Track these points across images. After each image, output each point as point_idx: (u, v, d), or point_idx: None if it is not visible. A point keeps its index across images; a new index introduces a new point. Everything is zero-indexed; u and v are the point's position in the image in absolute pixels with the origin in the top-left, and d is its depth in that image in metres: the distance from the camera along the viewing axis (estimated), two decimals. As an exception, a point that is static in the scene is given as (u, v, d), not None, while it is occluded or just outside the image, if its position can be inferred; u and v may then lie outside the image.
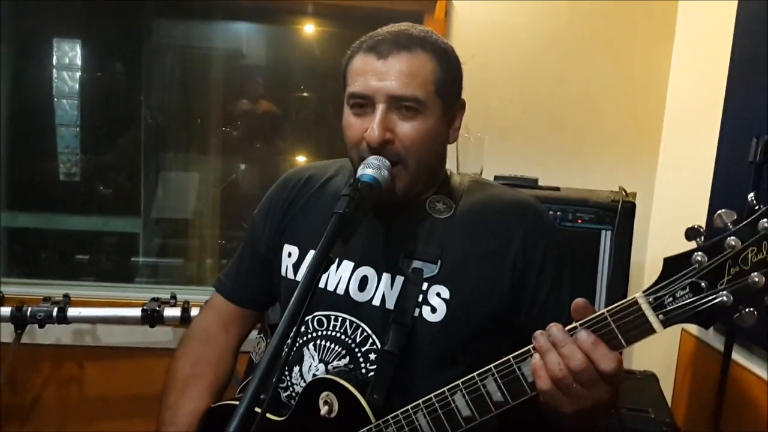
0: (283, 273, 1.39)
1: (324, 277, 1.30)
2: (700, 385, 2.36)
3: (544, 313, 1.23)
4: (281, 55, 3.10)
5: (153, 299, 2.29)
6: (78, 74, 2.97)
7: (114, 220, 3.04)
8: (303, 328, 1.32)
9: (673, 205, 2.46)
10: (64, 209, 3.04)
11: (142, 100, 3.00)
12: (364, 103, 1.21)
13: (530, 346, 1.04)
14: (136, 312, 2.24)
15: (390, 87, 1.18)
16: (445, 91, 1.24)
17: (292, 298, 0.96)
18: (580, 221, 1.91)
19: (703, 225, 0.94)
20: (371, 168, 1.16)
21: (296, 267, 1.36)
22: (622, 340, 0.97)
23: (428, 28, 1.29)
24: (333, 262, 1.04)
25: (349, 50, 1.27)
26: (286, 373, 1.34)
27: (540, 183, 2.09)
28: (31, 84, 3.01)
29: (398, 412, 1.14)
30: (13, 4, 2.78)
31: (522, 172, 2.12)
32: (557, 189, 2.05)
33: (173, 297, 2.33)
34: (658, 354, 2.39)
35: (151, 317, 2.23)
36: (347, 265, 1.30)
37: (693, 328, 2.25)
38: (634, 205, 1.90)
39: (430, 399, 1.11)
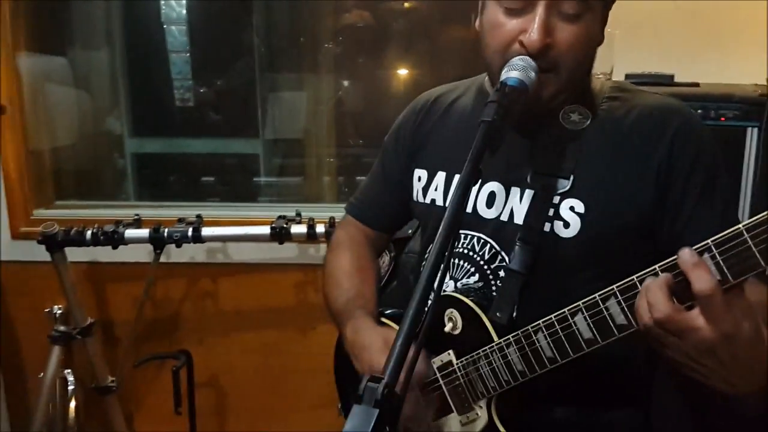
0: (414, 197, 1.38)
1: (450, 198, 1.26)
2: None
3: (691, 226, 1.13)
4: None
5: (280, 217, 2.34)
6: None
7: (234, 142, 3.12)
8: None
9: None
10: (184, 133, 3.14)
11: (252, 23, 2.99)
12: (519, 2, 1.10)
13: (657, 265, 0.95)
14: (265, 230, 2.30)
15: None
16: None
17: (446, 215, 0.92)
18: (723, 119, 1.77)
19: None
20: (517, 70, 1.06)
21: (425, 190, 1.35)
22: (761, 259, 0.85)
23: None
24: (481, 176, 0.97)
25: None
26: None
27: (676, 79, 1.94)
28: (141, 11, 3.06)
29: (519, 331, 1.11)
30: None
31: (655, 68, 1.98)
32: (696, 85, 1.90)
33: (298, 215, 2.38)
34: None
35: (280, 234, 2.28)
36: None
37: None
38: (782, 101, 1.74)
39: (551, 319, 1.06)
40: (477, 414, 1.19)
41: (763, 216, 0.85)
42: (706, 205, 1.14)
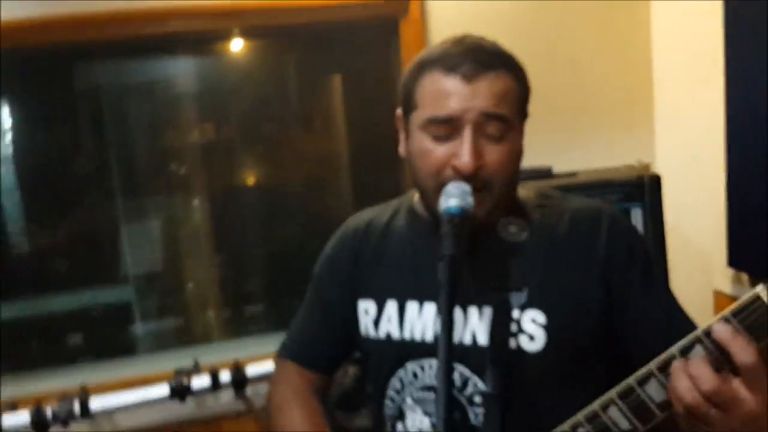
0: (363, 332, 1.31)
1: (406, 328, 1.24)
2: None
3: (641, 316, 1.17)
4: (217, 78, 2.91)
5: (177, 372, 2.15)
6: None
7: (100, 292, 2.85)
8: (399, 385, 1.25)
9: (681, 169, 2.43)
10: (39, 291, 2.81)
11: (100, 153, 2.79)
12: (446, 128, 1.13)
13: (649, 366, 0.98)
14: (163, 389, 2.11)
15: (481, 105, 1.11)
16: (524, 108, 1.19)
17: (439, 362, 0.93)
18: (608, 202, 1.87)
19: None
20: (455, 197, 1.08)
21: (376, 323, 1.28)
22: (754, 339, 0.91)
23: (483, 38, 1.20)
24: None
25: (412, 68, 1.19)
26: (390, 429, 1.28)
27: (555, 170, 2.03)
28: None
29: None
30: None
31: (532, 162, 2.06)
32: (575, 174, 2.00)
33: (196, 364, 2.21)
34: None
35: (180, 391, 2.10)
36: (429, 306, 1.23)
37: (726, 287, 2.25)
38: (659, 178, 1.87)
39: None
40: None
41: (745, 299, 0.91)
42: (649, 294, 1.19)
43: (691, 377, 0.92)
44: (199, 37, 2.59)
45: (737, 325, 0.91)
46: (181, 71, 2.83)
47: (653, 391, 0.97)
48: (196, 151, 2.88)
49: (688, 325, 1.17)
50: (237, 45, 2.75)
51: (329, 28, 2.57)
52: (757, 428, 0.93)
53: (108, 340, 2.77)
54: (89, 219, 2.76)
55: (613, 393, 1.00)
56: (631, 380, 0.98)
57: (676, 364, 0.94)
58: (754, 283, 2.11)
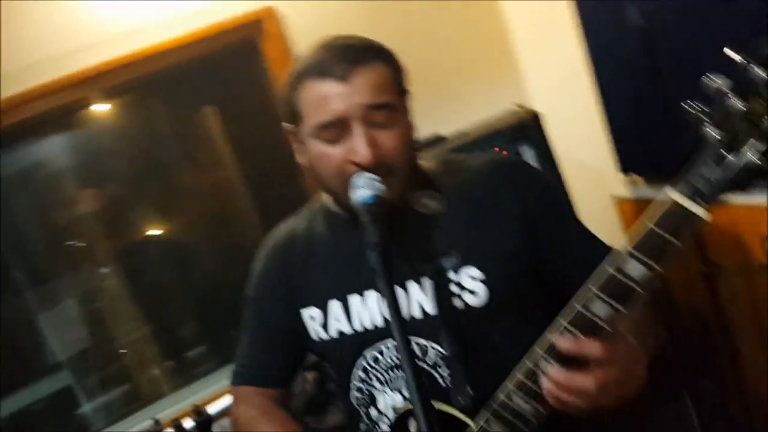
0: (314, 338, 1.33)
1: (355, 320, 1.27)
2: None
3: (567, 255, 1.26)
4: (91, 145, 2.84)
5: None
6: None
7: (35, 387, 2.74)
8: (363, 374, 1.29)
9: (556, 101, 2.55)
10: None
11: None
12: (335, 130, 1.16)
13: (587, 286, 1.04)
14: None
15: (362, 100, 1.14)
16: (402, 87, 1.23)
17: (404, 357, 0.97)
18: (505, 153, 1.96)
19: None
20: (365, 188, 1.13)
21: (325, 326, 1.31)
22: (676, 242, 0.98)
23: (347, 35, 1.23)
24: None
25: (289, 82, 1.21)
26: (363, 416, 1.32)
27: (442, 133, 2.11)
28: None
29: (492, 404, 1.12)
30: None
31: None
32: (465, 134, 2.08)
33: (156, 422, 2.17)
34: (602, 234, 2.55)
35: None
36: (370, 295, 1.27)
37: (624, 192, 2.40)
38: (538, 115, 1.97)
39: (515, 377, 1.09)
40: None
41: (661, 205, 0.97)
42: (564, 227, 1.28)
43: (569, 390, 1.02)
44: (63, 111, 2.53)
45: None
46: (55, 148, 2.76)
47: (597, 309, 1.02)
48: (90, 220, 2.82)
49: (601, 247, 1.27)
50: (102, 108, 2.70)
51: (191, 65, 2.55)
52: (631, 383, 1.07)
53: (61, 429, 2.68)
54: (2, 319, 2.65)
55: (561, 320, 1.05)
56: (574, 303, 1.04)
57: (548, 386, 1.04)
58: (648, 182, 2.27)
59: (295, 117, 1.22)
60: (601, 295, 1.01)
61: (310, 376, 2.16)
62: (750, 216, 2.07)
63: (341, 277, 1.30)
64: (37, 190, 2.76)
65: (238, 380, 1.45)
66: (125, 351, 2.85)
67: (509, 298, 1.24)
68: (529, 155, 1.97)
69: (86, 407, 2.75)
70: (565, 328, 1.04)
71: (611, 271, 1.00)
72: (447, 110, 2.44)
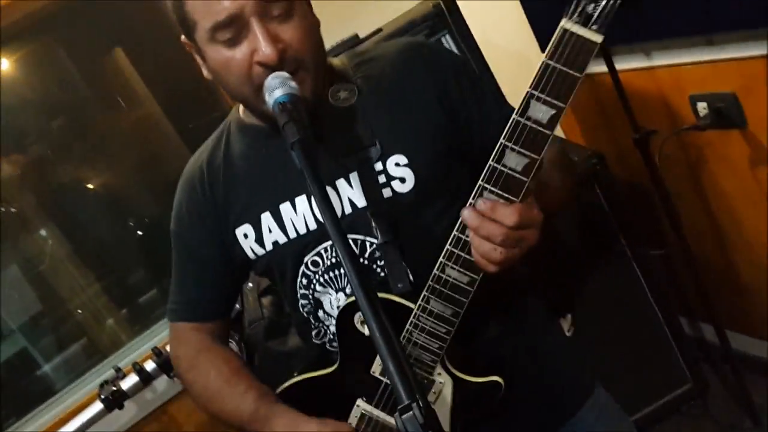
0: (252, 256, 1.30)
1: (290, 228, 1.25)
2: (588, 114, 2.55)
3: (489, 128, 1.21)
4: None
5: (102, 384, 2.09)
6: None
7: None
8: (306, 280, 1.28)
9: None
10: None
11: None
12: (231, 29, 1.09)
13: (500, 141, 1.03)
14: (96, 406, 2.05)
15: None
16: None
17: (342, 252, 0.93)
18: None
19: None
20: (279, 88, 1.06)
21: (260, 240, 1.28)
22: (575, 73, 0.95)
23: None
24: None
25: None
26: (313, 321, 1.32)
27: (361, 34, 2.05)
28: None
29: (428, 282, 1.13)
30: None
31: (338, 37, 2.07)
32: (379, 30, 2.03)
33: (117, 369, 2.15)
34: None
35: (115, 399, 2.04)
36: (301, 201, 1.24)
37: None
38: (454, 1, 1.93)
39: (447, 250, 1.10)
40: (440, 382, 1.19)
41: (553, 39, 0.95)
42: (484, 102, 1.25)
43: (493, 220, 1.01)
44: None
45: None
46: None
47: (510, 161, 1.00)
48: (15, 183, 2.72)
49: None
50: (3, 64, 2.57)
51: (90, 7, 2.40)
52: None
53: (23, 393, 2.65)
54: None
55: (480, 182, 1.04)
56: (490, 162, 1.02)
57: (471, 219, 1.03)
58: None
59: (188, 26, 1.14)
60: (510, 145, 1.00)
61: (266, 300, 2.15)
62: (674, 77, 2.09)
63: (268, 188, 1.26)
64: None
65: (173, 317, 1.42)
66: (80, 310, 2.81)
67: (437, 180, 1.22)
68: (449, 43, 1.92)
69: (46, 368, 2.73)
70: (483, 187, 1.02)
71: (516, 117, 0.99)
72: (361, 10, 2.36)
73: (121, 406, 2.08)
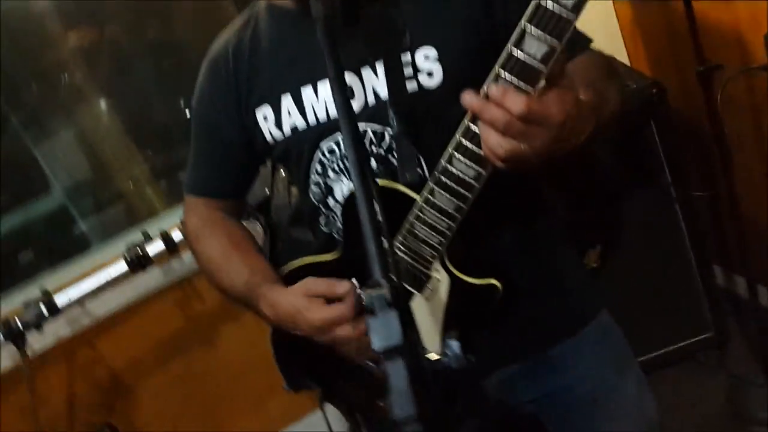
0: (270, 140, 1.28)
1: (309, 114, 1.22)
2: (656, 42, 2.43)
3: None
4: None
5: (128, 247, 2.15)
6: None
7: (33, 206, 2.80)
8: (320, 167, 1.26)
9: None
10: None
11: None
12: None
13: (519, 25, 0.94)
14: (121, 266, 2.12)
15: None
16: None
17: (346, 132, 0.89)
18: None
19: None
20: None
21: (279, 124, 1.25)
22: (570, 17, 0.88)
23: None
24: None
25: None
26: (322, 209, 1.31)
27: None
28: None
29: (434, 172, 1.08)
30: None
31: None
32: None
33: (146, 235, 2.21)
34: (603, 40, 2.43)
35: (138, 262, 2.11)
36: (323, 86, 1.20)
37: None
38: None
39: (455, 140, 1.03)
40: (437, 279, 1.17)
41: None
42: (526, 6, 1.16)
43: (500, 106, 0.91)
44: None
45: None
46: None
47: (530, 47, 0.92)
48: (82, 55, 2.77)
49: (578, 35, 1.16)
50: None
51: None
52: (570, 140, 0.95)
53: (58, 246, 2.76)
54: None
55: (495, 68, 0.96)
56: (507, 46, 0.94)
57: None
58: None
59: None
60: (531, 29, 0.92)
61: (295, 189, 2.16)
62: (752, 12, 1.95)
63: (292, 71, 1.23)
64: (20, 29, 2.69)
65: (188, 190, 1.44)
66: (121, 175, 2.88)
67: (465, 77, 1.10)
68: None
69: (81, 225, 2.83)
70: (497, 75, 0.96)
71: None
72: None
73: (144, 268, 2.14)
